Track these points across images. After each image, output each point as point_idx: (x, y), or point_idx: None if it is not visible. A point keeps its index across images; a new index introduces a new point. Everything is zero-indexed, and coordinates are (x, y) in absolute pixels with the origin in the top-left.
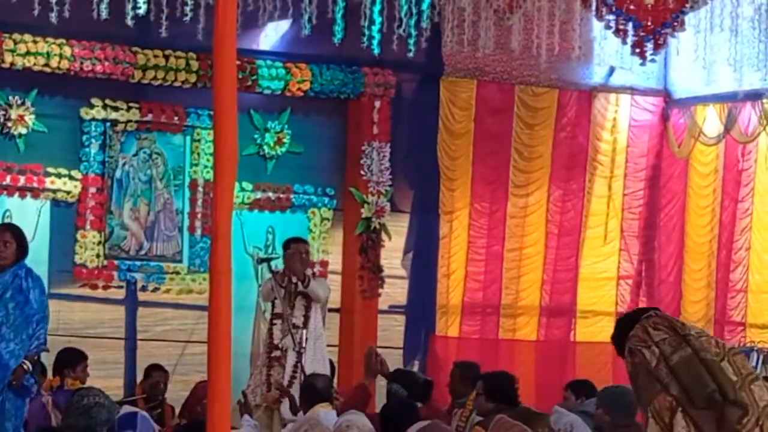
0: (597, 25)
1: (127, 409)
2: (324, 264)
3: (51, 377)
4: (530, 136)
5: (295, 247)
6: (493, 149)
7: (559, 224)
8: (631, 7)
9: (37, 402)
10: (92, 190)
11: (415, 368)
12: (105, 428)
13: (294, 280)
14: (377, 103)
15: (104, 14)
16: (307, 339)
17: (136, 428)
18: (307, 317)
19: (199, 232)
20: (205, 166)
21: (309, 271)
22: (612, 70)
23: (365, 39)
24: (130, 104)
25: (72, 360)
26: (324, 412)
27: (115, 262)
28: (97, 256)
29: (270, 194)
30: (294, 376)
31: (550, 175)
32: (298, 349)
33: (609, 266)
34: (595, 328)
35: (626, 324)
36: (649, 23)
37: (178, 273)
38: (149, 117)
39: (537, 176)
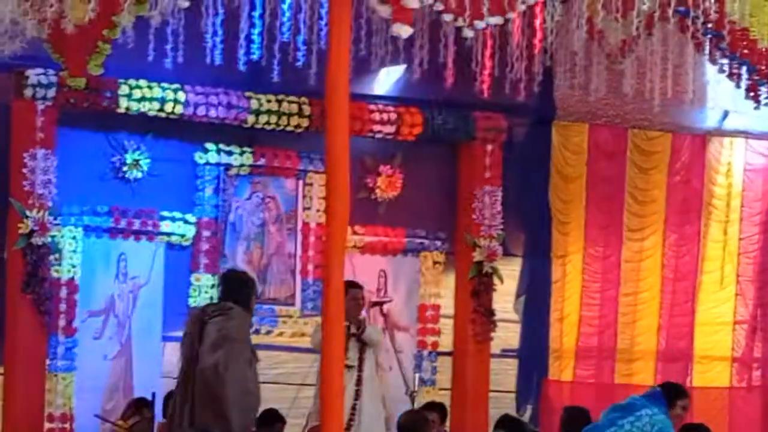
0: (710, 69)
1: None
2: (436, 308)
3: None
4: (644, 180)
5: (353, 292)
6: (607, 193)
7: (675, 269)
8: (745, 51)
9: None
10: (206, 233)
11: (528, 413)
12: None
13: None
14: (489, 147)
15: (218, 60)
16: (362, 380)
17: None
18: (361, 359)
19: (311, 275)
20: (318, 210)
21: (363, 315)
22: (726, 114)
23: (476, 83)
24: (244, 148)
25: None
26: None
27: None
28: (211, 299)
29: (382, 238)
30: (352, 418)
31: (664, 220)
32: (355, 390)
33: (725, 311)
34: (712, 374)
35: None
36: (763, 67)
37: (290, 316)
38: (262, 161)
39: (651, 220)
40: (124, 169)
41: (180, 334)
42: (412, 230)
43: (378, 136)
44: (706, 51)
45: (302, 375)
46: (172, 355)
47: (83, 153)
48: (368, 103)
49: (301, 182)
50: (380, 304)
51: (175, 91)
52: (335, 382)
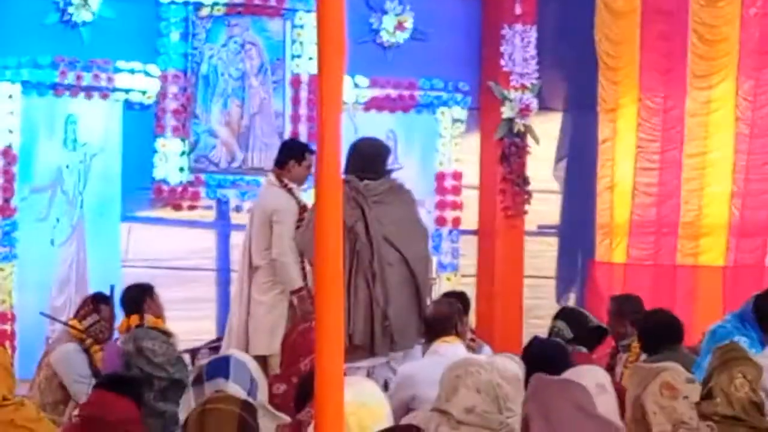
0: None
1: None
2: (457, 176)
3: (127, 317)
4: (712, 14)
5: (312, 158)
6: (666, 31)
7: (751, 123)
8: None
9: (113, 346)
10: (173, 88)
11: (571, 302)
12: (163, 373)
13: None
14: None
15: None
16: None
17: (229, 375)
18: None
19: (303, 138)
20: (311, 58)
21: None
22: None
23: None
24: None
25: (138, 298)
26: (452, 347)
27: (203, 176)
28: (181, 170)
29: (390, 91)
30: None
31: (738, 62)
32: None
33: None
34: None
35: None
36: None
37: None
38: None
39: (722, 64)
40: (70, 10)
41: (144, 214)
42: (427, 81)
43: None
44: None
45: None
46: (135, 240)
47: None
48: None
49: (288, 23)
50: (389, 172)
51: None
52: (331, 273)
